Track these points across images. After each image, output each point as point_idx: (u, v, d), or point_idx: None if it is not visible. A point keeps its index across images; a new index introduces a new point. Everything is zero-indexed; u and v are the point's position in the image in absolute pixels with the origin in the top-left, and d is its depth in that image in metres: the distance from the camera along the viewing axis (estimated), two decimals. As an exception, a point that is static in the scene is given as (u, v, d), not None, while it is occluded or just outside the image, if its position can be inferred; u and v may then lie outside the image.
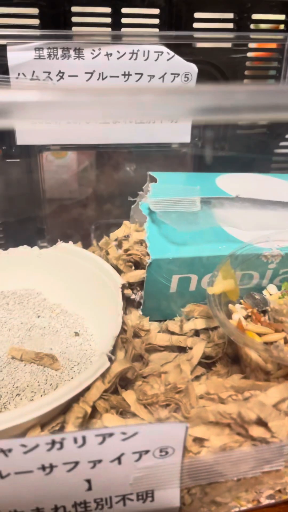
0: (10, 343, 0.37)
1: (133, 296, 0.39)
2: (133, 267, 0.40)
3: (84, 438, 0.22)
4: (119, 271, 0.39)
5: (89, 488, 0.24)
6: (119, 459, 0.24)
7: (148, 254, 0.36)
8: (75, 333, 0.39)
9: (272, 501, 0.29)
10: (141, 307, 0.39)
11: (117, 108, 0.21)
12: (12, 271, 0.43)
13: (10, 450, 0.22)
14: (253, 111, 0.21)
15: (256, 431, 0.26)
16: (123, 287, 0.38)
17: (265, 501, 0.29)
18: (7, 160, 0.46)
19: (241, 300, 0.37)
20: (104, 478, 0.24)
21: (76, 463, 0.23)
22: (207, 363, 0.35)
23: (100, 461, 0.23)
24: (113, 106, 0.21)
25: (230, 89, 0.21)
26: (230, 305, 0.36)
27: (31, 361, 0.35)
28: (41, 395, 0.33)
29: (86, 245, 0.45)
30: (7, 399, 0.33)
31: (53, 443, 0.22)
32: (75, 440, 0.22)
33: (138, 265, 0.39)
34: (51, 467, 0.23)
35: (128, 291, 0.39)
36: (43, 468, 0.23)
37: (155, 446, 0.23)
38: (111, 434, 0.22)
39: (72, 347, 0.38)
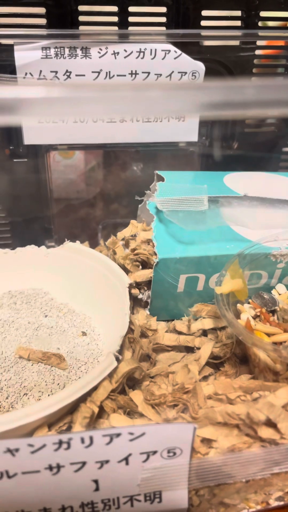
0: (18, 343, 0.37)
1: (140, 296, 0.39)
2: (140, 267, 0.39)
3: (91, 438, 0.22)
4: (126, 271, 0.39)
5: (97, 489, 0.24)
6: (126, 459, 0.23)
7: (155, 254, 0.36)
8: (83, 333, 0.39)
9: (282, 503, 0.29)
10: (149, 306, 0.39)
11: (124, 104, 0.21)
12: (20, 271, 0.43)
13: (17, 450, 0.22)
14: (262, 106, 0.21)
15: (265, 432, 0.26)
16: (130, 286, 0.37)
17: (274, 503, 0.29)
18: (15, 160, 0.46)
19: (250, 300, 0.37)
20: (111, 478, 0.24)
21: (84, 463, 0.23)
22: (215, 363, 0.35)
23: (107, 461, 0.23)
24: (120, 102, 0.21)
25: (238, 84, 0.21)
26: (239, 305, 0.35)
27: (38, 361, 0.35)
28: (49, 395, 0.33)
29: (94, 244, 0.45)
30: (15, 399, 0.33)
31: (60, 443, 0.22)
32: (82, 440, 0.22)
33: (145, 264, 0.39)
34: (58, 467, 0.23)
35: (135, 291, 0.39)
36: (50, 468, 0.23)
37: (162, 447, 0.23)
38: (118, 435, 0.22)
39: (79, 347, 0.37)
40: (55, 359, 0.35)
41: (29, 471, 0.23)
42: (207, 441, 0.27)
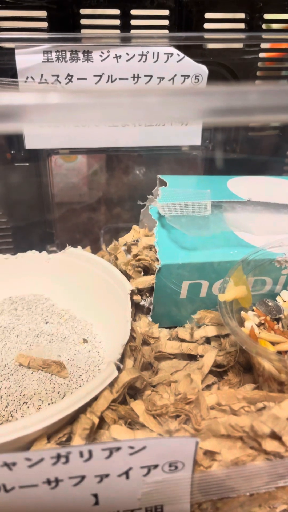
0: (18, 350, 0.37)
1: (142, 302, 0.38)
2: (142, 273, 0.39)
3: (90, 452, 0.22)
4: (128, 277, 0.38)
5: (96, 503, 0.24)
6: (126, 473, 0.23)
7: (157, 259, 0.36)
8: (84, 340, 0.38)
9: (287, 517, 0.28)
10: (151, 313, 0.38)
11: (126, 110, 0.20)
12: (21, 276, 0.43)
13: (14, 464, 0.21)
14: (266, 112, 0.20)
15: (270, 445, 0.25)
16: (132, 293, 0.37)
17: (279, 517, 0.28)
18: (16, 164, 0.45)
19: (254, 307, 0.36)
20: (111, 492, 0.23)
21: (83, 477, 0.22)
22: (219, 371, 0.35)
23: (107, 475, 0.23)
24: (122, 108, 0.20)
25: (241, 89, 0.20)
26: (242, 313, 0.35)
27: (38, 369, 0.35)
28: (49, 404, 0.32)
29: (96, 249, 0.45)
30: (14, 407, 0.32)
31: (58, 457, 0.21)
32: (81, 454, 0.21)
33: (147, 270, 0.39)
34: (57, 481, 0.22)
35: (137, 297, 0.38)
36: (49, 482, 0.22)
37: (164, 461, 0.23)
38: (118, 448, 0.22)
39: (80, 354, 0.37)
40: (55, 367, 0.34)
41: (27, 485, 0.22)
42: (210, 454, 0.26)
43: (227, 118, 0.20)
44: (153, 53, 0.40)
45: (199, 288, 0.37)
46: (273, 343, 0.32)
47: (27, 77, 0.40)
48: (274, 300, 0.37)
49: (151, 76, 0.41)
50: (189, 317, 0.38)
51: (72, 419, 0.28)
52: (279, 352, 0.31)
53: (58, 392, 0.33)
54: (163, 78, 0.41)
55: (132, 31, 0.40)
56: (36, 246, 0.44)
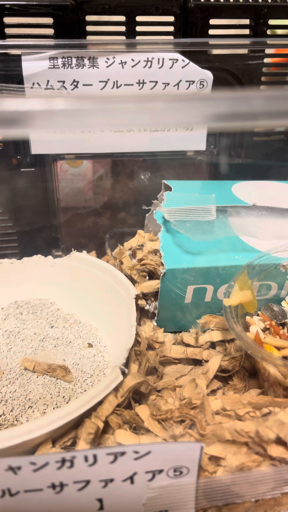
0: (23, 354, 0.37)
1: (147, 307, 0.39)
2: (147, 277, 0.39)
3: (95, 457, 0.22)
4: (133, 281, 0.38)
5: (101, 508, 0.24)
6: (131, 478, 0.23)
7: (162, 264, 0.36)
8: (89, 344, 0.38)
9: (292, 523, 0.28)
10: (156, 318, 0.38)
11: (131, 116, 0.20)
12: (26, 281, 0.43)
13: (19, 468, 0.21)
14: (271, 118, 0.20)
15: (275, 450, 0.25)
16: (137, 297, 0.37)
17: (284, 524, 0.28)
18: (22, 170, 0.46)
19: (259, 312, 0.36)
20: (116, 497, 0.23)
21: (87, 482, 0.22)
22: (224, 376, 0.34)
23: (112, 480, 0.23)
24: (127, 114, 0.20)
25: (246, 95, 0.20)
26: (248, 317, 0.35)
27: (43, 373, 0.35)
28: (54, 408, 0.32)
29: (101, 254, 0.45)
30: (19, 412, 0.32)
31: (63, 461, 0.21)
32: (86, 459, 0.22)
33: (152, 275, 0.39)
34: (62, 485, 0.22)
35: (142, 302, 0.38)
36: (53, 486, 0.22)
37: (169, 466, 0.23)
38: (123, 453, 0.22)
39: (85, 359, 0.37)
40: (60, 371, 0.34)
41: (32, 489, 0.22)
42: (215, 459, 0.26)
43: (232, 123, 0.20)
44: (158, 59, 0.40)
45: (204, 293, 0.37)
46: (278, 348, 0.32)
47: (33, 83, 0.40)
48: (280, 305, 0.37)
49: (156, 82, 0.41)
50: (194, 322, 0.38)
51: (77, 423, 0.28)
52: (285, 357, 0.31)
53: (63, 397, 0.33)
54: (168, 83, 0.42)
55: (137, 37, 0.40)
56: (42, 250, 0.44)
